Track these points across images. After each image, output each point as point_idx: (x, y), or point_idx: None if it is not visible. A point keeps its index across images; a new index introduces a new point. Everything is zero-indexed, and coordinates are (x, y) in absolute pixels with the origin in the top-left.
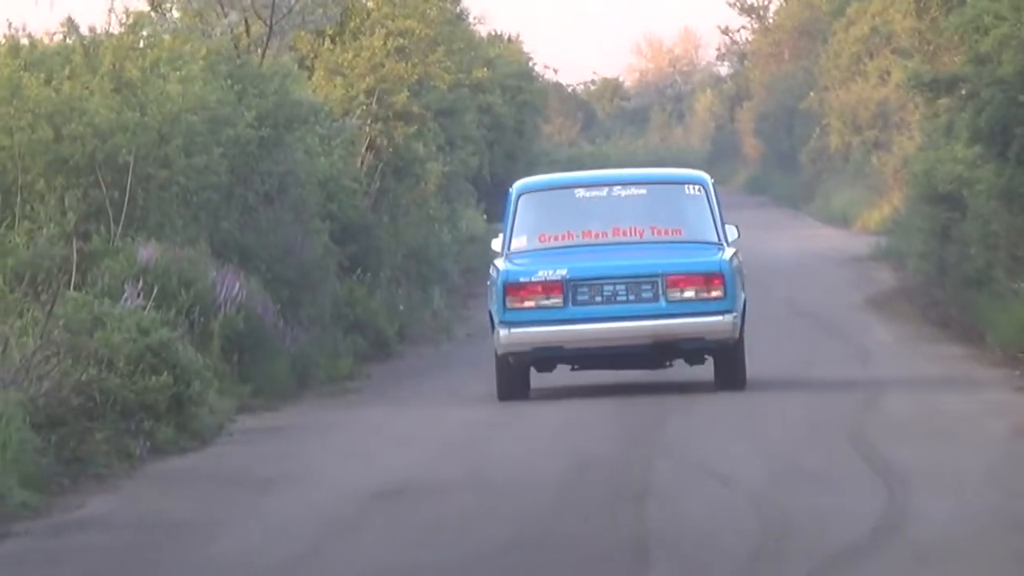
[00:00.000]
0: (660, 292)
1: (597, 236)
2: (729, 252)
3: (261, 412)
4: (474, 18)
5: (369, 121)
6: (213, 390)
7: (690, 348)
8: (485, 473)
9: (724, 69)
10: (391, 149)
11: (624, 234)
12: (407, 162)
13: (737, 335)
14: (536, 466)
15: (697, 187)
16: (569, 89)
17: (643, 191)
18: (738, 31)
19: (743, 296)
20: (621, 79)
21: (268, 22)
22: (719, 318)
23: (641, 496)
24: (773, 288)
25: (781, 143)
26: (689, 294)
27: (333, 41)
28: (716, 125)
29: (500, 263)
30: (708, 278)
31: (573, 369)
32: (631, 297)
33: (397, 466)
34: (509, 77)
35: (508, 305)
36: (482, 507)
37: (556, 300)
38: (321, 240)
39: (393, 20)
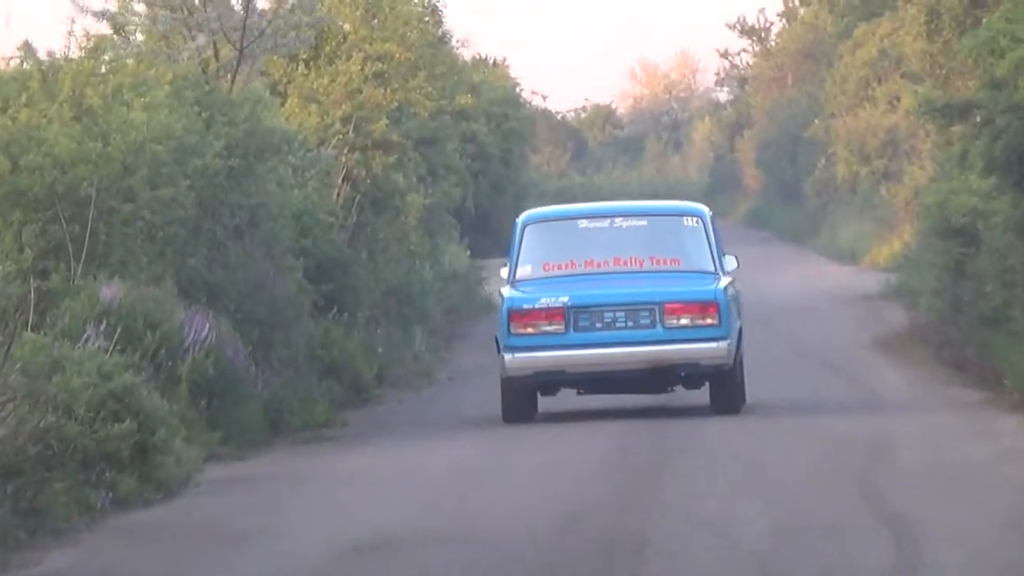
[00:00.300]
0: (658, 319)
1: (599, 265)
2: (725, 281)
3: (231, 461)
4: (457, 41)
5: (346, 150)
6: (180, 438)
7: (686, 373)
8: (469, 524)
9: (723, 95)
10: (369, 180)
11: (624, 263)
12: (386, 194)
13: (731, 361)
14: (524, 517)
15: (695, 219)
16: (559, 116)
17: (643, 222)
18: (738, 54)
19: (738, 323)
20: (614, 106)
21: (238, 45)
22: (714, 344)
23: (637, 551)
24: (776, 328)
25: (784, 173)
26: (685, 321)
27: (307, 66)
28: (715, 155)
29: (505, 291)
30: (703, 306)
31: (579, 393)
32: (630, 324)
33: (376, 518)
34: (495, 104)
35: (512, 331)
36: (466, 562)
37: (558, 326)
38: (295, 277)
39: (371, 43)
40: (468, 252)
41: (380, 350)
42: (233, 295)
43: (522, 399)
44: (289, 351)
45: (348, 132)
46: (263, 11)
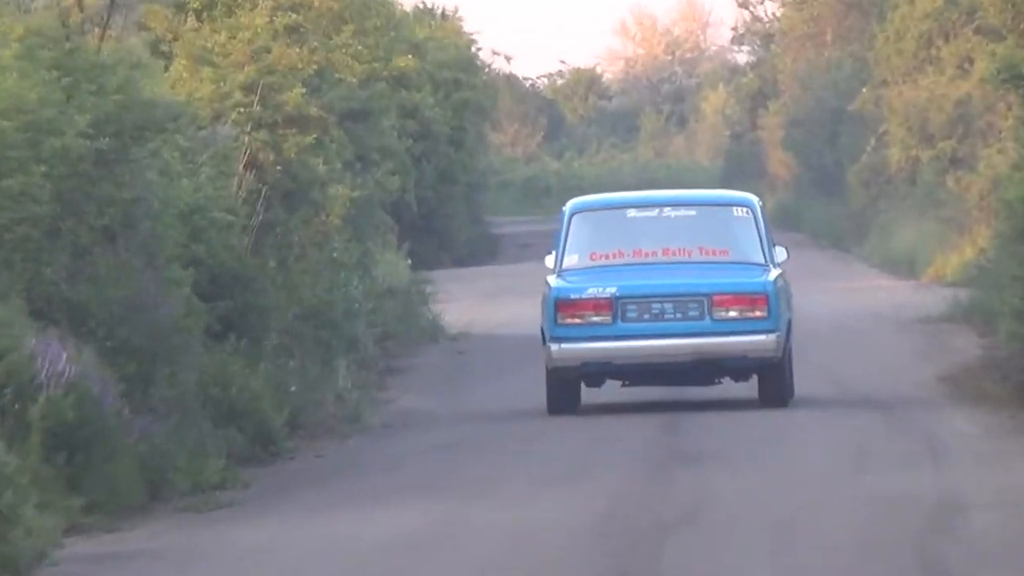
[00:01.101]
0: (706, 311)
1: (647, 255)
2: (775, 273)
3: (98, 534)
4: None
5: (249, 128)
6: (31, 503)
7: (733, 366)
8: None
9: (742, 56)
10: (279, 167)
11: (673, 254)
12: (302, 185)
13: (780, 353)
14: None
15: (745, 209)
16: (528, 84)
17: (692, 212)
18: (761, 2)
19: (788, 316)
20: (599, 70)
21: None
22: (763, 337)
23: None
24: (811, 359)
25: (822, 158)
26: (734, 313)
27: (199, 18)
28: (731, 133)
29: (552, 280)
30: (753, 298)
31: (624, 385)
32: (678, 315)
33: None
34: (444, 67)
35: (559, 321)
36: None
37: (605, 317)
38: (182, 294)
39: None
40: (409, 261)
41: (293, 388)
42: (102, 317)
43: (567, 390)
44: (174, 390)
45: (252, 104)
46: None
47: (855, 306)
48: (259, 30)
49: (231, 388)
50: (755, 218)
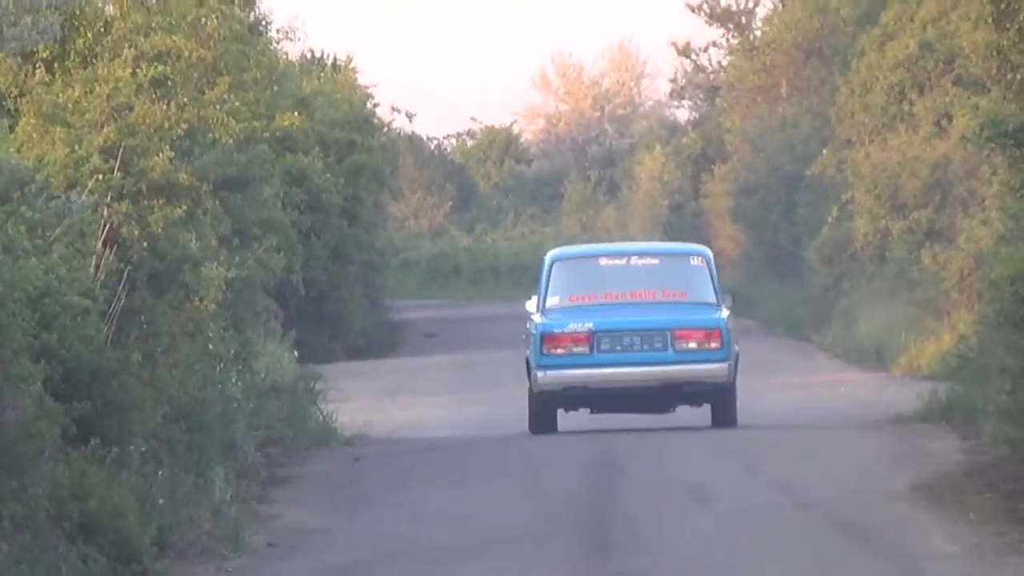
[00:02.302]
0: (669, 343)
1: (617, 297)
2: (725, 312)
3: None
4: (278, 32)
5: (109, 199)
6: None
7: (692, 391)
8: None
9: (683, 112)
10: (145, 244)
11: (640, 296)
12: (170, 265)
13: (732, 379)
14: None
15: (700, 258)
16: (434, 146)
17: (656, 261)
18: (705, 50)
19: (736, 349)
20: (516, 129)
21: None
22: (717, 365)
23: None
24: (765, 468)
25: (776, 232)
26: (693, 345)
27: (50, 69)
28: (671, 203)
29: (537, 318)
30: (708, 332)
31: (592, 412)
32: (645, 347)
33: None
34: (336, 126)
35: (544, 351)
36: None
37: (583, 348)
38: (32, 392)
39: (147, 35)
40: (296, 353)
41: (162, 501)
42: None
43: (548, 412)
44: (23, 506)
45: (112, 170)
46: None
47: (815, 404)
48: (120, 84)
49: (90, 502)
50: (708, 266)
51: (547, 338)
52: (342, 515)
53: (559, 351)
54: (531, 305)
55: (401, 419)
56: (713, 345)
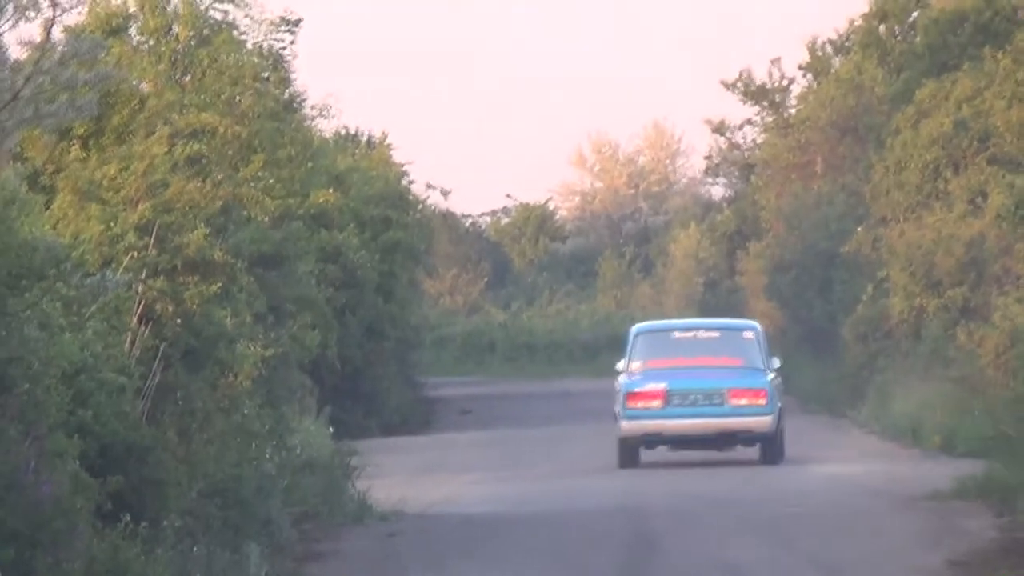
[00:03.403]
0: (725, 400)
1: (686, 362)
2: (771, 376)
3: None
4: (313, 108)
5: (144, 276)
6: None
7: (743, 438)
8: None
9: (718, 190)
10: (179, 321)
11: (703, 361)
12: (205, 341)
13: (775, 428)
14: None
15: (751, 332)
16: (469, 223)
17: (716, 334)
18: (740, 128)
19: (779, 404)
20: (552, 206)
21: None
22: (763, 417)
23: None
24: (798, 545)
25: (811, 309)
26: (744, 401)
27: (85, 146)
28: (706, 280)
29: (623, 378)
30: (756, 392)
31: (670, 449)
32: (706, 403)
33: None
34: (371, 203)
35: (628, 405)
36: None
37: (659, 403)
38: (67, 468)
39: (182, 112)
40: (331, 429)
41: None
42: None
43: (632, 452)
44: None
45: (148, 247)
46: (17, 62)
47: (850, 481)
48: (155, 161)
49: None
50: (758, 338)
51: (630, 395)
52: None
53: (640, 405)
54: (619, 366)
55: (436, 495)
56: (760, 402)
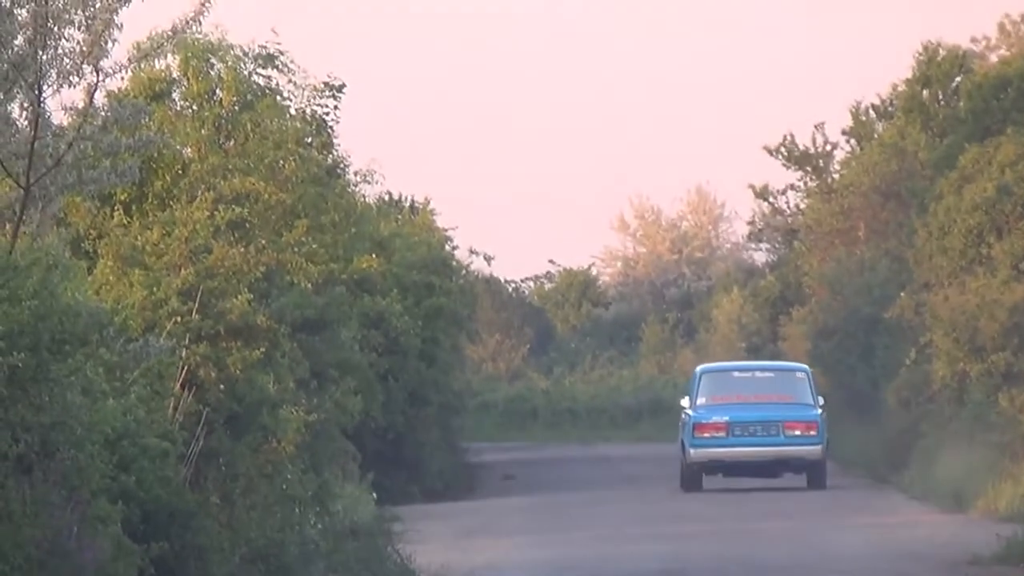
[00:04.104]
0: (781, 431)
1: (746, 398)
2: (819, 411)
3: None
4: (356, 174)
5: (187, 341)
6: None
7: (795, 464)
8: None
9: (761, 255)
10: (222, 386)
11: (761, 398)
12: (248, 407)
13: (823, 457)
14: None
15: (802, 373)
16: (512, 288)
17: (772, 374)
18: (783, 193)
19: (826, 435)
20: (595, 272)
21: (22, 180)
22: (813, 447)
23: None
24: None
25: (854, 374)
26: (797, 432)
27: (128, 212)
28: (748, 345)
29: (690, 411)
30: (808, 424)
31: (724, 476)
32: (764, 433)
33: None
34: (414, 269)
35: (695, 435)
36: None
37: (722, 433)
38: (110, 534)
39: (225, 177)
40: (373, 495)
41: None
42: (15, 561)
43: (697, 477)
44: None
45: (190, 312)
46: (60, 128)
47: (894, 545)
48: (198, 226)
49: None
50: (808, 379)
51: (697, 426)
52: None
53: (707, 435)
54: (685, 402)
55: (478, 561)
56: (811, 433)
